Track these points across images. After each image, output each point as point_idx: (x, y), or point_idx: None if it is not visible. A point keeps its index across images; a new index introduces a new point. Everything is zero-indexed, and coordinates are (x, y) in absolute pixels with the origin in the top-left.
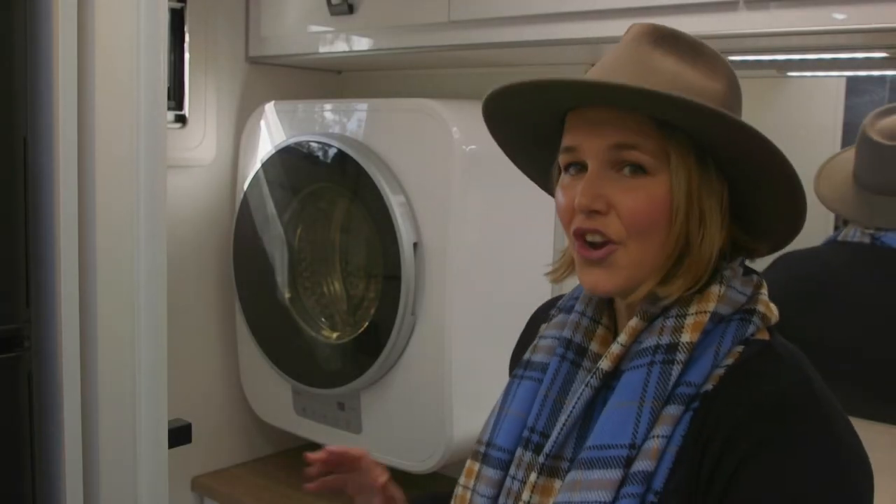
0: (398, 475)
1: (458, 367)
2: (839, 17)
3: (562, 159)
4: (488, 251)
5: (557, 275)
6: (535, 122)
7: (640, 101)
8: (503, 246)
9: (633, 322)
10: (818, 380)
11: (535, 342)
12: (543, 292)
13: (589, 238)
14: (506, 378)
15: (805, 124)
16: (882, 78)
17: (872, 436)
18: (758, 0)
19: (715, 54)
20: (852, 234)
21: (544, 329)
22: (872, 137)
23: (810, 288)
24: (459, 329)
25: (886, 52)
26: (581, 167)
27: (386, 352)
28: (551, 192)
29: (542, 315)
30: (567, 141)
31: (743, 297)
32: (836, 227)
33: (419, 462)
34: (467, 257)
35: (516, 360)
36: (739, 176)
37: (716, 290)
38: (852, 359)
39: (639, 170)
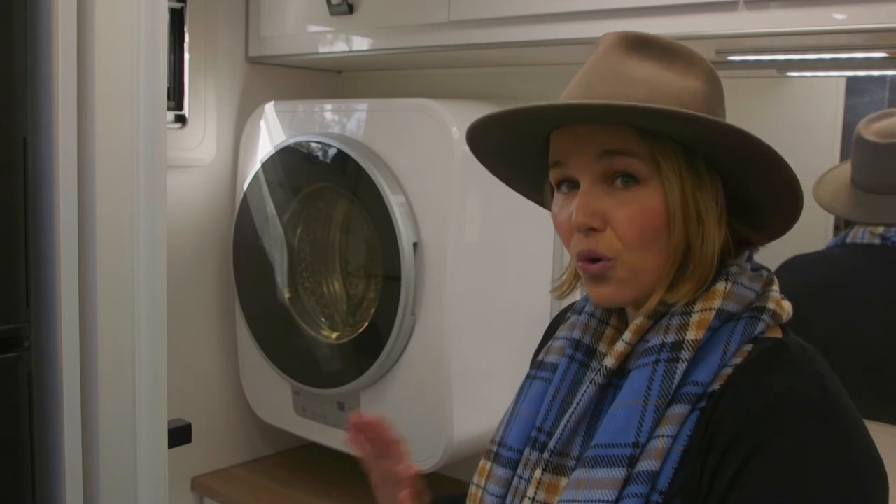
0: None
1: (458, 367)
2: (839, 17)
3: (552, 175)
4: (488, 251)
5: (562, 290)
6: (520, 146)
7: (620, 116)
8: (503, 246)
9: (639, 320)
10: (832, 378)
11: (549, 343)
12: (543, 292)
13: (592, 261)
14: (507, 378)
15: (805, 124)
16: (882, 78)
17: (886, 438)
18: (758, 0)
19: (690, 52)
20: (861, 235)
21: (559, 331)
22: (868, 138)
23: (820, 290)
24: (459, 329)
25: (886, 52)
26: (573, 185)
27: (386, 352)
28: (548, 207)
29: (560, 318)
30: (554, 156)
31: (751, 294)
32: (837, 227)
33: (419, 462)
34: (467, 257)
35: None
36: (732, 170)
37: (721, 287)
38: (864, 360)
39: (630, 179)
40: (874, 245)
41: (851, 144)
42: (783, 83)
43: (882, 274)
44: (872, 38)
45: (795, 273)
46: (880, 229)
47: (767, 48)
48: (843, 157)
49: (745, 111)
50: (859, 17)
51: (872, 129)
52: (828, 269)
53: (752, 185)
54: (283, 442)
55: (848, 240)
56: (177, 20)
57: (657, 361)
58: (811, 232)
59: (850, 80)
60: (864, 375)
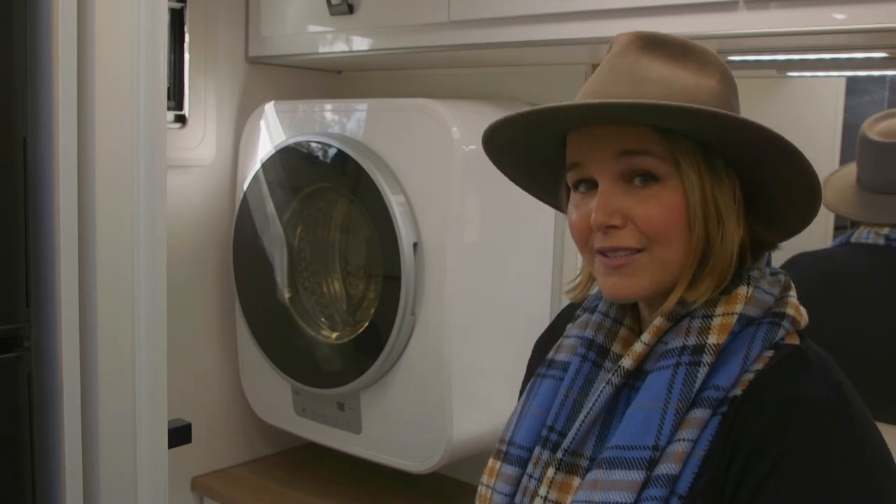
0: (398, 475)
1: (458, 367)
2: (839, 17)
3: (569, 177)
4: (488, 251)
5: (577, 292)
6: (536, 148)
7: (640, 115)
8: (503, 246)
9: (658, 321)
10: (848, 386)
11: (559, 341)
12: (543, 292)
13: (610, 255)
14: (507, 378)
15: (805, 124)
16: (882, 78)
17: (886, 439)
18: (758, 0)
19: (703, 50)
20: (866, 235)
21: (569, 328)
22: (873, 138)
23: (824, 289)
24: (459, 329)
25: (886, 52)
26: (590, 184)
27: (386, 352)
28: (563, 210)
29: (569, 313)
30: (572, 157)
31: (771, 298)
32: (837, 227)
33: (419, 462)
34: (467, 257)
35: (537, 355)
36: (749, 166)
37: (743, 291)
38: (867, 360)
39: (650, 178)
40: (879, 245)
41: (856, 145)
42: (783, 83)
43: (885, 275)
44: (872, 38)
45: (799, 271)
46: (885, 230)
47: (767, 48)
48: (844, 156)
49: (745, 111)
50: (859, 17)
51: (876, 129)
52: (831, 268)
53: (769, 181)
54: (283, 442)
55: (853, 239)
56: (177, 20)
57: (678, 364)
58: (813, 229)
59: (850, 80)
60: (867, 376)
